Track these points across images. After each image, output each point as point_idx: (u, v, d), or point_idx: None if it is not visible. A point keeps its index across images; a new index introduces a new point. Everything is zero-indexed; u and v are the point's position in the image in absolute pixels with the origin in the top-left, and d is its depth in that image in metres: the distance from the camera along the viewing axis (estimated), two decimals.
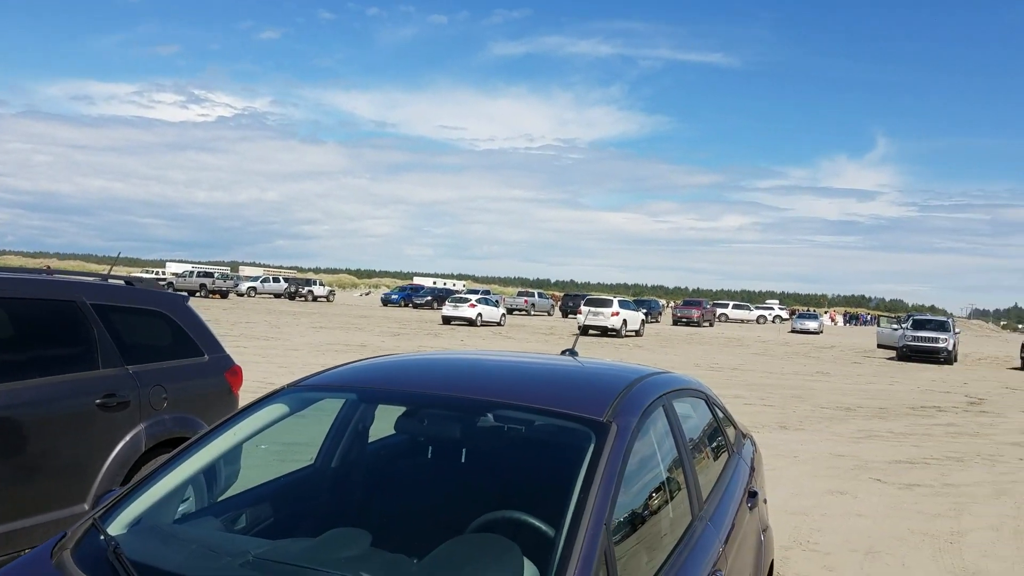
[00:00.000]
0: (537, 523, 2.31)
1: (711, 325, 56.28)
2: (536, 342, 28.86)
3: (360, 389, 2.94)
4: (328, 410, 3.18)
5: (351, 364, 3.14)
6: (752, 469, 3.88)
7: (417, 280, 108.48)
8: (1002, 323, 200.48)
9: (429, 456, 3.01)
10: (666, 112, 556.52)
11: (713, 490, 3.12)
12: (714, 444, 3.54)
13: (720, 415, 3.74)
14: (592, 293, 59.48)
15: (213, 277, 55.82)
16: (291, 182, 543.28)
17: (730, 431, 3.85)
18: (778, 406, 14.70)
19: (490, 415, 2.73)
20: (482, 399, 2.71)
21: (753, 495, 3.53)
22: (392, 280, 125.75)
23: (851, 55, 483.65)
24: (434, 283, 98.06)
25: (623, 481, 2.41)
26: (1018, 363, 30.26)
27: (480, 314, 39.04)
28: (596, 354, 24.43)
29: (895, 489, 8.34)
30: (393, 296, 64.13)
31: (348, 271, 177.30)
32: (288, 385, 2.92)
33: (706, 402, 3.62)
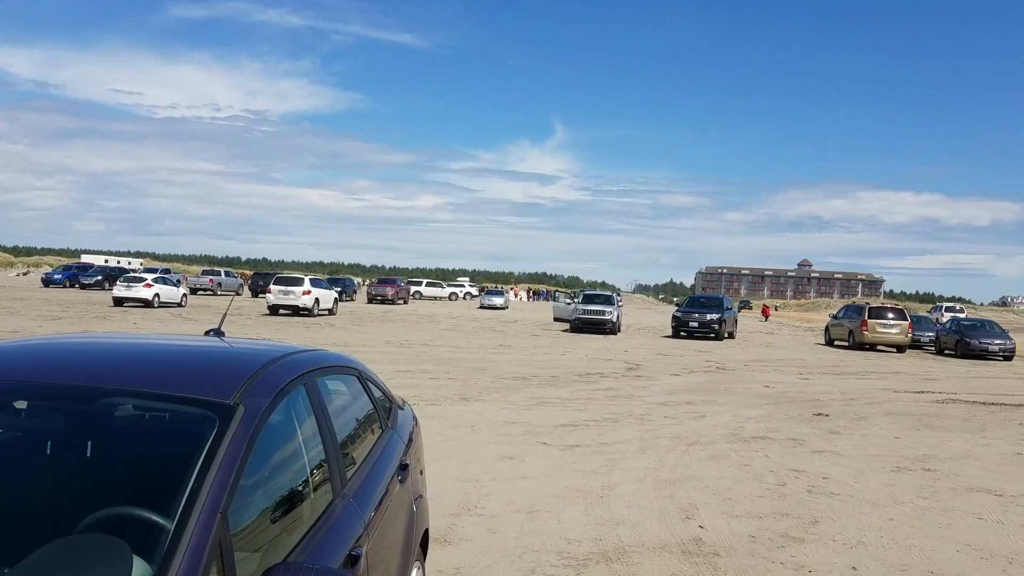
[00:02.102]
0: (152, 517, 2.13)
1: (405, 303, 57.25)
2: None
3: None
4: None
5: None
6: (409, 442, 3.93)
7: (86, 258, 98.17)
8: (660, 296, 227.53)
9: (34, 453, 2.66)
10: (360, 89, 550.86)
11: (360, 467, 3.11)
12: (366, 420, 3.52)
13: (375, 391, 3.73)
14: (285, 271, 57.83)
15: None
16: None
17: (385, 406, 3.86)
18: (461, 379, 15.29)
19: (106, 403, 2.47)
20: (96, 386, 2.45)
21: (404, 468, 3.57)
22: (56, 258, 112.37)
23: (531, 44, 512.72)
24: (106, 261, 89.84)
25: (255, 466, 2.31)
26: (669, 332, 34.31)
27: (157, 295, 36.28)
28: (285, 335, 23.76)
29: (558, 451, 9.03)
30: (56, 276, 57.59)
31: (3, 248, 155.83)
32: None
33: (359, 378, 3.58)
